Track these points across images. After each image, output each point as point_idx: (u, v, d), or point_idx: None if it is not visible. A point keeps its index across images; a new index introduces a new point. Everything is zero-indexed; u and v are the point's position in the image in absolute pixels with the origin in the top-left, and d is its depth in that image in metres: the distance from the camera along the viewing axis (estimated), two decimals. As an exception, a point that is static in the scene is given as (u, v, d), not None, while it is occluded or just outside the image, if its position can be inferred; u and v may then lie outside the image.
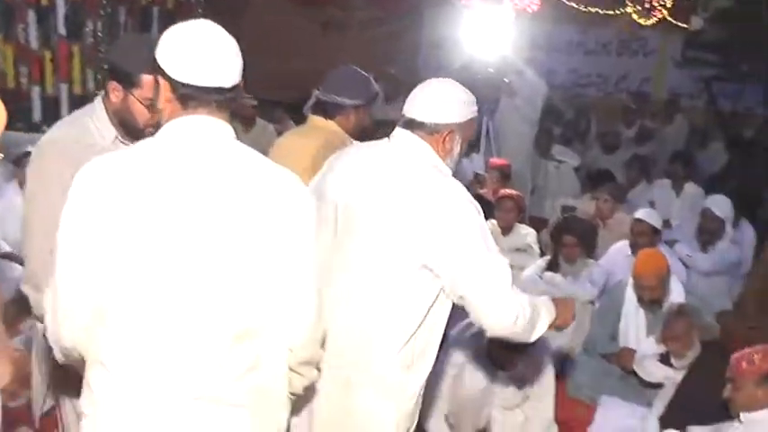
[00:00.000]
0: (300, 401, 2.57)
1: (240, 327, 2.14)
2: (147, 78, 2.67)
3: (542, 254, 6.48)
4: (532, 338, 2.88)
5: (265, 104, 7.92)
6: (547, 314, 2.90)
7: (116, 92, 2.83)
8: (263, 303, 2.16)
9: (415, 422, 2.95)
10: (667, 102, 12.13)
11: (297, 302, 2.21)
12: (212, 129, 2.18)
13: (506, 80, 8.39)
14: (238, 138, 2.25)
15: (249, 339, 2.16)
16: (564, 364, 5.59)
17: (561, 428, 4.61)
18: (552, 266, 6.00)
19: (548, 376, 4.36)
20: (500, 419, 4.35)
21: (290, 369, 2.28)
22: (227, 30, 2.24)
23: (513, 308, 2.73)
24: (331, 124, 3.59)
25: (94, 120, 2.89)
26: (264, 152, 2.48)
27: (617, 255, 6.35)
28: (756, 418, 3.61)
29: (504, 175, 7.59)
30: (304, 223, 2.22)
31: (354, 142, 3.53)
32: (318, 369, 2.41)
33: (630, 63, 13.56)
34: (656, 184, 8.29)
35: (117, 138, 2.89)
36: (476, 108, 2.94)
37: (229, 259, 2.11)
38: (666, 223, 7.16)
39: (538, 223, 7.58)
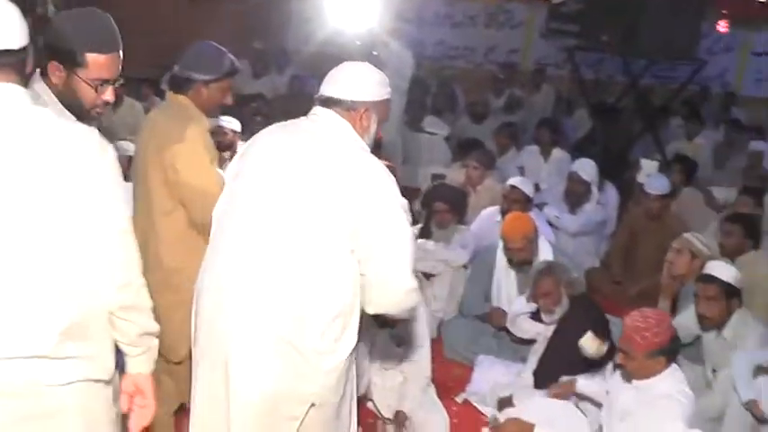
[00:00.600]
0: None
1: (57, 283, 2.21)
2: (92, 57, 2.65)
3: (415, 222, 6.57)
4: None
5: (131, 82, 7.73)
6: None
7: (58, 73, 2.70)
8: (73, 254, 2.23)
9: (342, 394, 2.94)
10: (534, 72, 12.47)
11: (107, 247, 2.27)
12: (2, 93, 2.19)
13: (374, 53, 8.42)
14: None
15: (69, 295, 2.23)
16: (439, 328, 5.72)
17: (440, 389, 4.69)
18: (424, 233, 6.09)
19: (424, 337, 4.44)
20: (379, 384, 4.40)
21: (115, 315, 2.35)
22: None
23: (411, 293, 2.84)
24: (182, 99, 3.54)
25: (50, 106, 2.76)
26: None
27: (487, 220, 6.51)
28: (648, 384, 3.75)
29: (376, 146, 7.61)
30: (102, 176, 2.27)
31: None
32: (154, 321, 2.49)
33: (498, 35, 13.86)
34: (525, 151, 8.52)
35: None
36: (389, 90, 3.04)
37: (32, 220, 2.18)
38: (536, 187, 7.38)
39: (410, 193, 7.62)
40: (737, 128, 10.32)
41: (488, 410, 4.84)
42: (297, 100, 8.76)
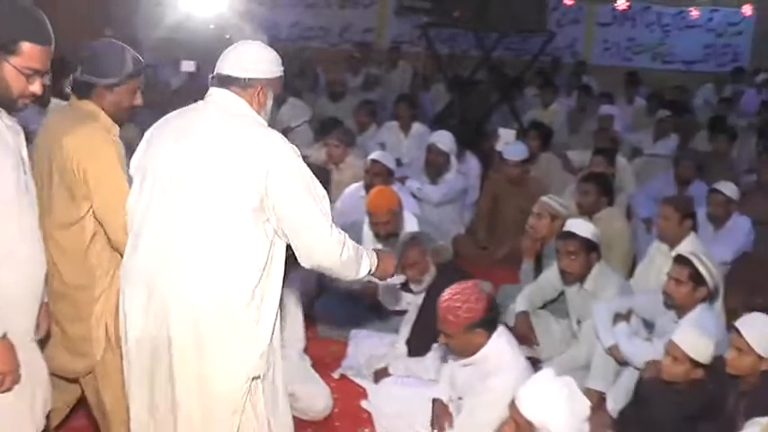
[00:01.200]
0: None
1: None
2: (28, 46, 2.60)
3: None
4: (358, 276, 3.05)
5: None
6: (368, 258, 3.08)
7: None
8: None
9: (267, 366, 3.00)
10: (390, 49, 12.60)
11: None
12: None
13: (227, 36, 8.29)
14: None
15: None
16: (312, 307, 5.71)
17: (317, 366, 4.71)
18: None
19: (296, 311, 4.45)
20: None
21: None
22: None
23: (338, 239, 2.93)
24: (87, 104, 3.30)
25: None
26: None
27: (352, 196, 6.53)
28: (476, 359, 3.75)
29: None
30: None
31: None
32: None
33: (352, 14, 13.94)
34: (385, 127, 8.56)
35: None
36: (282, 68, 3.09)
37: None
38: (397, 162, 7.46)
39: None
40: (588, 94, 10.77)
41: (365, 383, 4.87)
42: (151, 88, 8.52)
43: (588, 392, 4.51)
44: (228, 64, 3.00)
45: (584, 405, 3.05)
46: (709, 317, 4.37)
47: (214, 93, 3.02)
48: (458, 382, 3.93)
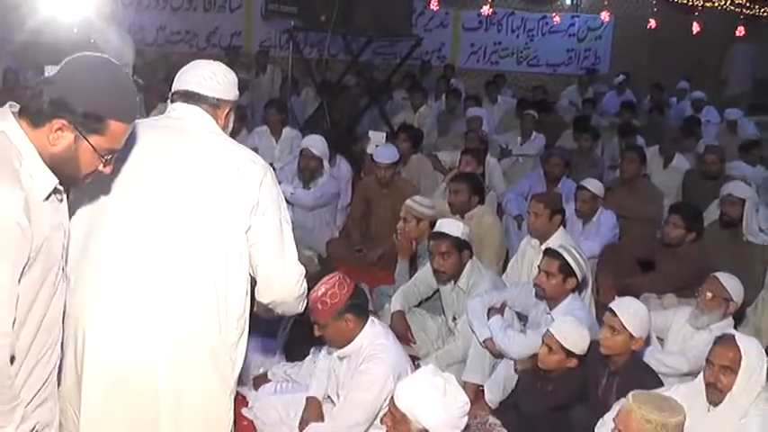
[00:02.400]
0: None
1: None
2: (116, 125, 2.30)
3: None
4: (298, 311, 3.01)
5: None
6: None
7: (61, 134, 2.26)
8: None
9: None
10: (258, 54, 12.46)
11: None
12: None
13: (92, 40, 8.00)
14: None
15: None
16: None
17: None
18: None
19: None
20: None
21: None
22: None
23: (300, 271, 2.87)
24: None
25: (26, 166, 2.25)
26: None
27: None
28: (350, 351, 3.79)
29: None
30: None
31: None
32: None
33: (219, 18, 13.72)
34: (255, 132, 8.45)
35: (56, 189, 2.33)
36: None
37: None
38: (270, 167, 7.36)
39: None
40: (457, 97, 10.94)
41: (245, 390, 4.77)
42: (12, 94, 8.14)
43: (466, 386, 4.62)
44: (196, 81, 2.83)
45: (461, 403, 3.06)
46: (579, 306, 4.53)
47: (180, 108, 2.83)
48: (339, 376, 3.94)
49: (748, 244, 6.04)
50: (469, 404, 3.12)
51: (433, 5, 12.21)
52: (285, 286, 2.85)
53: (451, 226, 4.99)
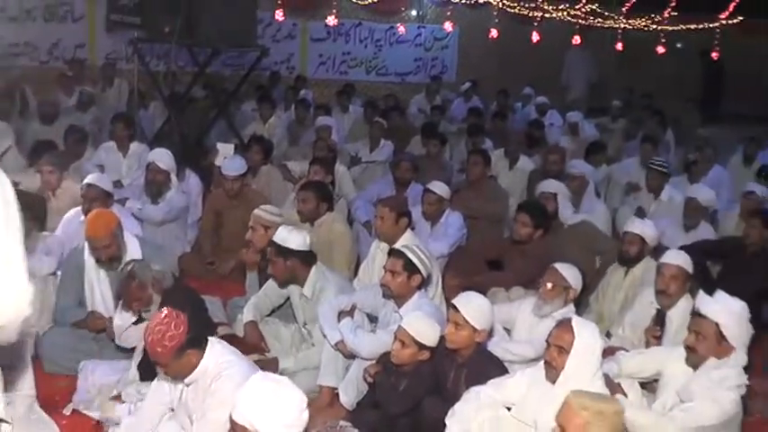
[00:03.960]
0: None
1: None
2: None
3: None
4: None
5: None
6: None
7: None
8: None
9: None
10: (104, 66, 12.12)
11: None
12: None
13: None
14: None
15: None
16: (36, 343, 5.33)
17: (46, 406, 4.34)
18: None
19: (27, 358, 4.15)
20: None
21: None
22: None
23: (33, 290, 2.49)
24: None
25: None
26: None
27: (71, 223, 6.20)
28: (199, 374, 3.70)
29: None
30: None
31: None
32: None
33: (61, 29, 13.19)
34: (102, 148, 8.23)
35: None
36: None
37: None
38: (117, 183, 7.22)
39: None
40: (306, 107, 11.00)
41: (96, 415, 4.65)
42: None
43: (321, 389, 4.72)
44: None
45: (296, 401, 3.05)
46: (427, 302, 4.68)
47: None
48: (188, 402, 3.85)
49: (568, 229, 6.49)
50: (306, 400, 3.11)
51: (279, 16, 12.22)
52: (10, 304, 2.42)
53: (284, 236, 4.99)
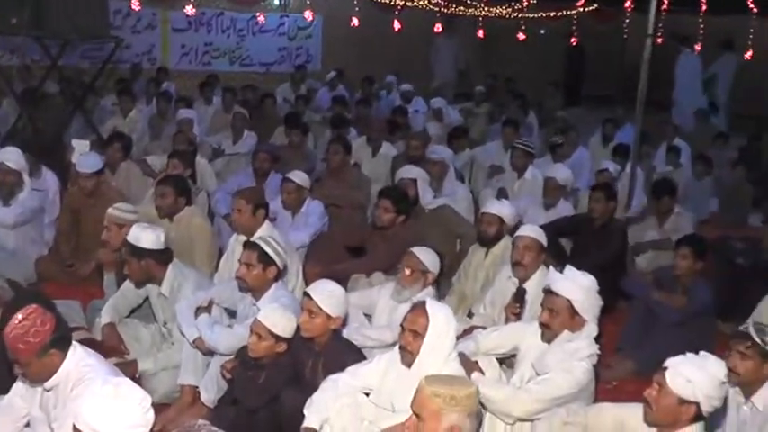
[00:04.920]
0: None
1: None
2: None
3: None
4: None
5: None
6: None
7: None
8: None
9: None
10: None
11: None
12: None
13: None
14: None
15: None
16: None
17: None
18: None
19: None
20: None
21: None
22: None
23: None
24: None
25: None
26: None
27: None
28: (60, 379, 3.55)
29: None
30: None
31: None
32: None
33: None
34: (-52, 149, 7.83)
35: None
36: None
37: None
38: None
39: None
40: (168, 100, 10.77)
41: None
42: None
43: (183, 388, 4.66)
44: None
45: (138, 400, 2.95)
46: (284, 294, 4.68)
47: None
48: (49, 408, 3.70)
49: (429, 214, 6.60)
50: (149, 399, 3.01)
51: (135, 5, 11.89)
52: None
53: (136, 233, 4.89)
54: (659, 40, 12.66)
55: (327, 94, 13.36)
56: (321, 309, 4.11)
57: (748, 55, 14.62)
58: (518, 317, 4.97)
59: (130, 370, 4.59)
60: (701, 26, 15.10)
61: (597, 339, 4.19)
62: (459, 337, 4.08)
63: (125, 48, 9.65)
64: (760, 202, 9.41)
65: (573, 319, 4.13)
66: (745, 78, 15.00)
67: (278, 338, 4.14)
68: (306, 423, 3.79)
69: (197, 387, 4.65)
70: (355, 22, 14.63)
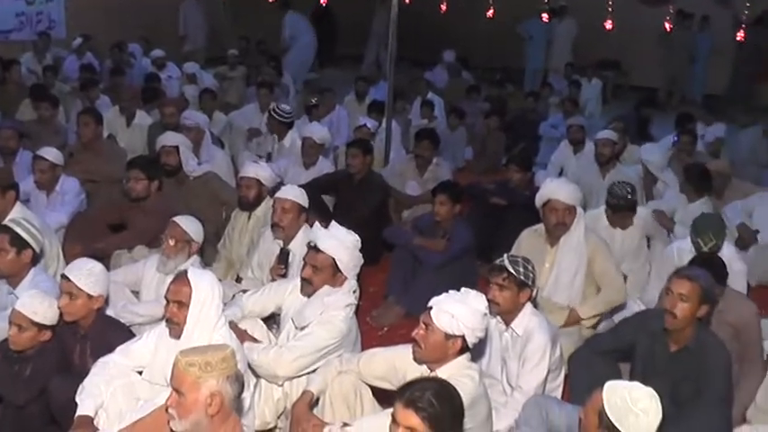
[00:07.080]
0: None
1: None
2: None
3: None
4: None
5: None
6: None
7: None
8: None
9: None
10: None
11: None
12: None
13: None
14: None
15: None
16: None
17: None
18: None
19: None
20: None
21: None
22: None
23: None
24: None
25: None
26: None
27: None
28: None
29: None
30: None
31: None
32: None
33: None
34: None
35: None
36: None
37: None
38: None
39: None
40: None
41: None
42: None
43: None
44: None
45: None
46: (44, 279, 4.50)
47: None
48: None
49: (194, 181, 6.56)
50: None
51: None
52: None
53: None
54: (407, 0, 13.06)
55: (76, 62, 12.66)
56: (80, 289, 3.96)
57: (490, 13, 15.15)
58: (284, 278, 5.02)
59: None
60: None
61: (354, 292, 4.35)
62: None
63: None
64: (511, 148, 10.03)
65: (335, 276, 4.28)
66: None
67: (40, 327, 3.97)
68: (79, 411, 3.62)
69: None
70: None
